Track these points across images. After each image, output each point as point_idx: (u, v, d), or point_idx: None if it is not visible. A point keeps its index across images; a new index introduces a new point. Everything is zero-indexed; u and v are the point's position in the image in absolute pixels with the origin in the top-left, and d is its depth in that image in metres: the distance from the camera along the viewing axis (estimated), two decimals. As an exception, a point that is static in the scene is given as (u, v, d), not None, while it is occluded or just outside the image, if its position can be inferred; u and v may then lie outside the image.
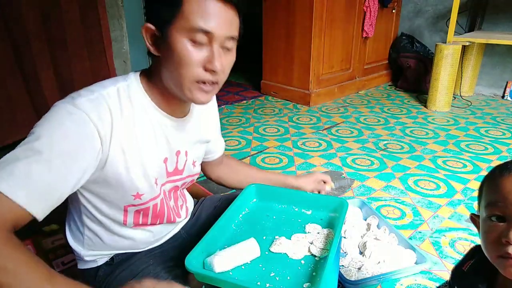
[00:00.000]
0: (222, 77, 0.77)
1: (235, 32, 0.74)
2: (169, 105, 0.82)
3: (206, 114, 0.99)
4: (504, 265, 0.58)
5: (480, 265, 0.69)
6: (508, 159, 0.64)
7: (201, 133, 0.96)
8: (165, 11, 0.70)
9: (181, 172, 0.93)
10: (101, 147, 0.72)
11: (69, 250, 1.42)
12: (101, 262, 0.92)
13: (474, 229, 1.57)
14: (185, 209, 1.04)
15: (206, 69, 0.73)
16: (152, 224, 0.92)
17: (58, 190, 0.67)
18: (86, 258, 0.91)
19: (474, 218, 0.69)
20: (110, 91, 0.76)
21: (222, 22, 0.71)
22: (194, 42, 0.70)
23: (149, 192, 0.84)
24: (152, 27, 0.73)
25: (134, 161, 0.78)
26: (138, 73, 0.82)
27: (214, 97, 1.03)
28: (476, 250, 0.74)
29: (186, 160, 0.92)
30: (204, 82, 0.74)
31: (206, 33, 0.70)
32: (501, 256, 0.58)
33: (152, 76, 0.80)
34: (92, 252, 0.90)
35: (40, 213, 0.65)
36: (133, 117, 0.77)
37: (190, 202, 1.10)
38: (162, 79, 0.78)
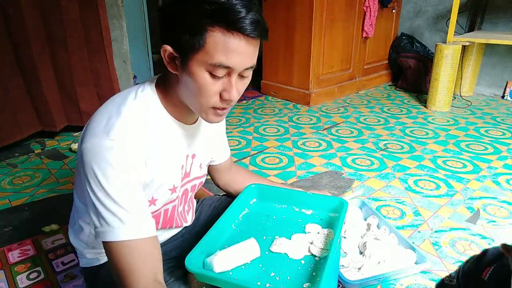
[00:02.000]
0: (237, 99, 0.78)
1: (254, 61, 0.74)
2: (182, 114, 0.84)
3: None
4: None
5: (501, 274, 0.65)
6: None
7: (208, 138, 0.98)
8: (188, 42, 0.69)
9: (189, 174, 0.94)
10: (144, 166, 0.75)
11: (69, 250, 1.43)
12: (103, 260, 0.93)
13: (474, 228, 1.57)
14: (191, 215, 1.05)
15: (222, 97, 0.74)
16: (162, 228, 0.94)
17: (143, 208, 0.73)
18: (88, 256, 0.91)
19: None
20: (134, 109, 0.76)
21: (243, 57, 0.71)
22: (214, 75, 0.71)
23: (163, 199, 0.86)
24: (172, 50, 0.72)
25: (156, 172, 0.80)
26: (153, 83, 0.82)
27: None
28: (489, 254, 0.71)
29: (192, 163, 0.94)
30: (219, 108, 0.76)
31: (227, 68, 0.70)
32: None
33: (167, 86, 0.81)
34: (95, 250, 0.91)
35: (152, 230, 0.74)
36: (155, 129, 0.79)
37: (194, 208, 1.11)
38: (178, 93, 0.79)
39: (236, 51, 0.69)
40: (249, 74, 0.76)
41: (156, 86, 0.82)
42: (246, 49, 0.70)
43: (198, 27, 0.67)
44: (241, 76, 0.75)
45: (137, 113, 0.75)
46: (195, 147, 0.93)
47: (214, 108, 0.76)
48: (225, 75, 0.72)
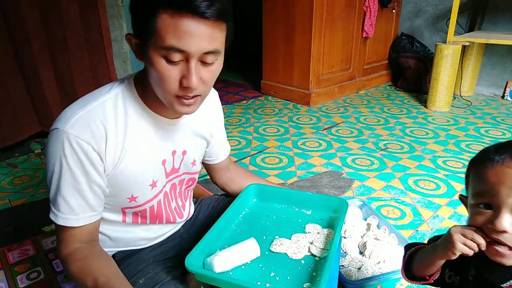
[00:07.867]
0: (204, 89, 0.75)
1: (215, 45, 0.69)
2: (162, 106, 0.80)
3: (205, 112, 0.96)
4: (489, 249, 0.66)
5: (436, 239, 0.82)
6: (491, 146, 0.72)
7: (198, 129, 0.95)
8: (143, 29, 0.69)
9: (178, 170, 0.93)
10: (100, 160, 0.76)
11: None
12: None
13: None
14: (188, 210, 1.04)
15: (181, 85, 0.71)
16: (152, 223, 0.93)
17: (90, 202, 0.79)
18: None
19: (462, 199, 0.77)
20: (103, 101, 0.78)
21: (198, 40, 0.67)
22: (169, 60, 0.68)
23: (144, 195, 0.86)
24: (135, 39, 0.73)
25: (129, 166, 0.80)
26: (132, 78, 0.82)
27: (217, 97, 1.04)
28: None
29: (182, 159, 0.93)
30: (183, 97, 0.73)
31: (181, 51, 0.67)
32: (488, 242, 0.65)
33: (145, 78, 0.80)
34: None
35: (93, 218, 0.80)
36: (128, 123, 0.79)
37: (193, 204, 1.10)
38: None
39: (187, 33, 0.66)
40: (213, 61, 0.72)
41: (135, 79, 0.81)
42: (199, 30, 0.66)
43: (149, 12, 0.66)
44: (204, 62, 0.71)
45: (106, 105, 0.77)
46: (183, 143, 0.91)
47: (177, 96, 0.73)
48: (182, 61, 0.69)
